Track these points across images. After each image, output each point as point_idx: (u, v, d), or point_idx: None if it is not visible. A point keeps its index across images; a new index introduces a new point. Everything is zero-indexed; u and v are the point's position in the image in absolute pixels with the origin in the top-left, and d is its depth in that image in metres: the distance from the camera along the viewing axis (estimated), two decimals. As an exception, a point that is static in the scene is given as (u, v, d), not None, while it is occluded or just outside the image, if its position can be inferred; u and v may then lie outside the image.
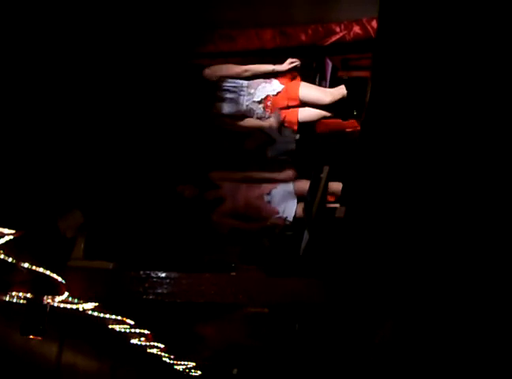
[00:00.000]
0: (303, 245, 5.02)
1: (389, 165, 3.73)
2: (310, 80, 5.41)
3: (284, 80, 5.15)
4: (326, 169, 5.04)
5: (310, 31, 5.52)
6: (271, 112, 5.12)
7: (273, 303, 4.53)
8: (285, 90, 5.10)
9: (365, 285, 4.14)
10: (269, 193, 5.24)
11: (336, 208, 5.23)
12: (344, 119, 5.29)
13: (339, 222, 4.90)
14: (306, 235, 5.01)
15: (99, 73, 4.85)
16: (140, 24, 5.22)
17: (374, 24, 5.10)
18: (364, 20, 5.32)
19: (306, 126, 5.46)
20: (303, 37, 5.53)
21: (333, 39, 5.45)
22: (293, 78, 5.20)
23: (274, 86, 5.11)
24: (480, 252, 3.54)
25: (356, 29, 5.39)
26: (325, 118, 5.31)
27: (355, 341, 4.79)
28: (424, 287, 3.82)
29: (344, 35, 5.45)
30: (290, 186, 5.26)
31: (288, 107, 5.13)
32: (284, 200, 5.25)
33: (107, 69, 4.95)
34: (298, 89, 5.11)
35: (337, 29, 5.46)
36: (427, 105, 3.32)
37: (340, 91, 5.11)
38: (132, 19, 5.11)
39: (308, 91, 5.13)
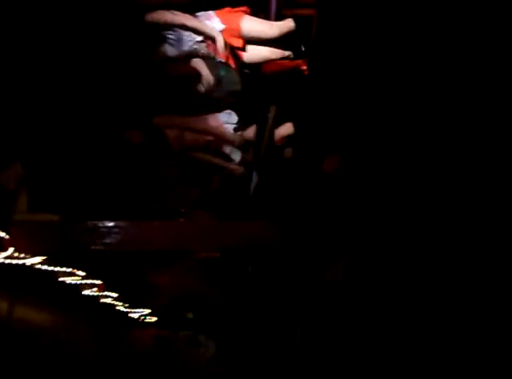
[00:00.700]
0: (252, 186, 5.00)
1: (336, 103, 3.71)
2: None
3: (226, 17, 4.97)
4: (273, 109, 4.97)
5: (251, -33, 5.36)
6: (214, 52, 4.95)
7: (224, 247, 4.52)
8: (227, 29, 4.92)
9: (316, 224, 4.15)
10: (214, 132, 5.13)
11: (284, 148, 5.22)
12: (294, 59, 5.17)
13: (287, 162, 4.90)
14: (254, 177, 4.98)
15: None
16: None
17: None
18: (307, -47, 5.18)
19: (252, 66, 5.34)
20: (245, -28, 5.37)
21: (276, -26, 5.31)
22: (236, 15, 5.00)
23: (214, 24, 4.93)
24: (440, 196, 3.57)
25: (300, -36, 5.25)
26: (272, 60, 5.17)
27: (307, 280, 4.83)
28: (376, 223, 3.85)
29: (288, -30, 5.31)
30: (234, 127, 5.15)
31: (233, 47, 4.97)
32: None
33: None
34: (240, 25, 4.92)
35: (280, -37, 5.31)
36: (372, 40, 3.28)
37: (288, 24, 4.96)
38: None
39: (252, 24, 4.93)
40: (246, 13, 4.92)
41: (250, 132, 5.14)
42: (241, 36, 4.89)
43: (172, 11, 4.96)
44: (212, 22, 4.89)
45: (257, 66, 5.40)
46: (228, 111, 5.18)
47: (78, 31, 5.06)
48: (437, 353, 3.49)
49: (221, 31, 4.88)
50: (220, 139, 5.12)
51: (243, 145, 5.13)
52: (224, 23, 4.90)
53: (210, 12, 4.92)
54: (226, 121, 5.20)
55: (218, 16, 4.92)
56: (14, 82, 4.38)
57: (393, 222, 3.76)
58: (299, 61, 5.21)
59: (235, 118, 5.15)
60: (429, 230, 3.60)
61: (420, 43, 3.25)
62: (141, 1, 5.36)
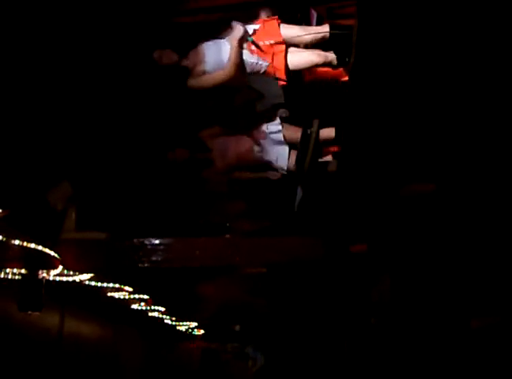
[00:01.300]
0: (297, 201, 4.98)
1: (379, 113, 3.68)
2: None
3: (260, 22, 5.02)
4: (316, 122, 4.95)
5: (292, -20, 5.39)
6: (259, 56, 4.98)
7: (270, 263, 4.51)
8: (262, 29, 4.96)
9: (360, 239, 4.12)
10: (258, 144, 5.13)
11: (328, 161, 5.19)
12: (335, 67, 5.16)
13: (332, 176, 4.86)
14: (299, 191, 4.97)
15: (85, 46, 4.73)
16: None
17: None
18: (348, -34, 5.18)
19: (294, 75, 5.35)
20: (287, -13, 5.41)
21: (317, -13, 5.33)
22: (270, 22, 5.04)
23: (250, 27, 4.96)
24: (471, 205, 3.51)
25: (340, -24, 5.27)
26: (317, 65, 5.18)
27: (352, 299, 4.79)
28: (421, 241, 3.79)
29: (327, -17, 5.33)
30: (279, 135, 5.14)
31: (273, 45, 4.98)
32: (276, 148, 5.13)
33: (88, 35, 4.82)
34: (277, 26, 4.97)
35: (321, -23, 5.34)
36: (413, 49, 3.25)
37: (323, 28, 4.99)
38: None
39: (289, 28, 5.00)
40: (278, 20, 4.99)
41: (291, 132, 5.14)
42: (280, 36, 4.93)
43: None
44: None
45: (300, 76, 5.41)
46: (274, 122, 5.21)
47: (128, 50, 5.17)
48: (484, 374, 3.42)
49: (258, 29, 4.95)
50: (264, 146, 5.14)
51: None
52: (259, 23, 4.96)
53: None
54: (271, 130, 5.21)
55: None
56: (67, 106, 4.49)
57: (440, 241, 3.71)
58: (339, 71, 5.22)
59: (279, 128, 5.17)
60: (476, 250, 3.54)
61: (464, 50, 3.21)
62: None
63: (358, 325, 4.75)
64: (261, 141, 5.15)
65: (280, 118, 5.22)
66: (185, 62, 4.93)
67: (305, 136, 4.93)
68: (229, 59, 4.76)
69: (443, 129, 3.58)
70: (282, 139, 5.15)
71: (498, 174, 3.54)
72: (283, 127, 5.17)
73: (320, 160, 5.21)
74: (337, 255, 4.20)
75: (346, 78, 5.21)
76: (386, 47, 3.27)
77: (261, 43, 4.97)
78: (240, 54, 4.77)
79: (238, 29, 4.70)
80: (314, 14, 5.47)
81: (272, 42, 4.95)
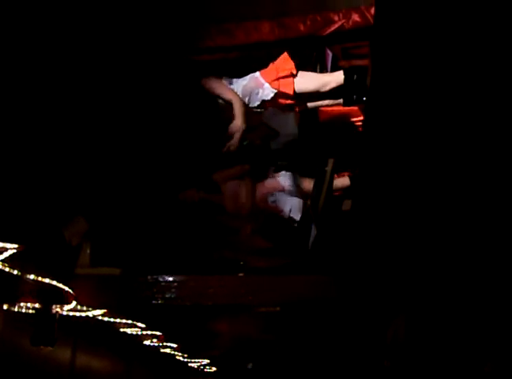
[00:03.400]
0: (311, 240, 4.97)
1: (394, 153, 3.68)
2: (311, 71, 5.32)
3: (277, 84, 5.04)
4: (331, 161, 4.98)
5: (308, 22, 5.43)
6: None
7: (284, 302, 4.49)
8: (279, 93, 5.01)
9: (375, 280, 4.09)
10: (272, 194, 5.17)
11: (343, 200, 5.19)
12: (345, 105, 5.20)
13: (346, 215, 4.86)
14: (313, 230, 4.96)
15: (95, 76, 4.79)
16: (136, 22, 5.15)
17: (373, 11, 5.02)
18: (362, 7, 5.23)
19: (308, 115, 5.39)
20: (302, 28, 5.45)
21: (332, 28, 5.36)
22: (287, 83, 5.07)
23: (266, 91, 5.00)
24: (491, 246, 3.49)
25: (355, 17, 5.30)
26: (324, 104, 5.23)
27: (367, 337, 4.75)
28: (436, 281, 3.77)
29: (343, 24, 5.36)
30: (293, 187, 5.17)
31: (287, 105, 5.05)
32: (290, 199, 5.16)
33: (102, 72, 4.89)
34: (292, 88, 5.00)
35: (336, 18, 5.37)
36: (428, 91, 3.27)
37: (338, 78, 5.03)
38: (128, 16, 5.04)
39: (304, 84, 5.03)
40: (293, 74, 5.01)
41: (308, 185, 5.16)
42: (294, 97, 4.98)
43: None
44: (264, 89, 4.98)
45: (314, 114, 5.45)
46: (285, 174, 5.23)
47: (143, 87, 5.23)
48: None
49: (274, 96, 4.97)
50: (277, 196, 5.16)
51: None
52: (274, 87, 4.99)
53: (259, 77, 5.02)
54: (288, 183, 5.24)
55: (266, 79, 5.01)
56: (85, 141, 4.55)
57: (455, 281, 3.68)
58: (353, 109, 5.26)
59: (291, 181, 5.19)
60: (492, 288, 3.51)
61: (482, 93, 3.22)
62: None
63: (371, 367, 4.70)
64: (277, 193, 5.19)
65: (294, 172, 5.25)
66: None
67: (320, 174, 4.96)
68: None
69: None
70: (296, 190, 5.18)
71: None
72: (297, 179, 5.20)
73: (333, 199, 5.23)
74: (351, 295, 4.17)
75: (361, 118, 5.25)
76: (400, 88, 3.30)
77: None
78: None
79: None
80: (330, 54, 5.52)
81: (289, 103, 5.04)
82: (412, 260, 3.96)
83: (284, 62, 5.07)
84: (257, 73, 5.08)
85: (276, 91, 4.96)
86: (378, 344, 4.49)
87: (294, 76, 5.00)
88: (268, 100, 4.98)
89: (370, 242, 4.22)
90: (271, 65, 5.11)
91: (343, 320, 5.13)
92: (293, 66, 5.06)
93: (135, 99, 5.12)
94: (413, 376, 3.94)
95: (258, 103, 4.98)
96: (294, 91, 4.98)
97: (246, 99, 4.98)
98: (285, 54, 5.10)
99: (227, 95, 4.83)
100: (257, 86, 5.00)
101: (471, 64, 3.10)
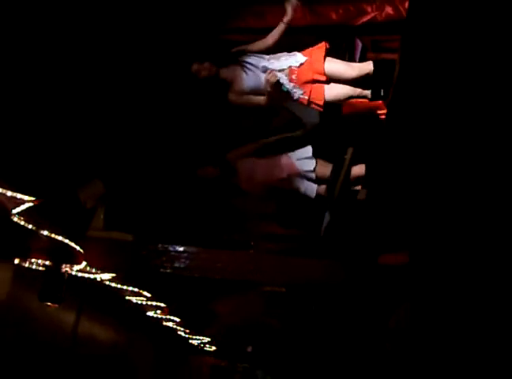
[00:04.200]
0: (324, 225, 5.00)
1: (414, 148, 3.69)
2: (336, 57, 5.29)
3: (309, 53, 5.03)
4: (350, 150, 4.99)
5: (340, 11, 5.42)
6: (297, 85, 5.00)
7: (291, 283, 4.53)
8: (309, 62, 4.95)
9: (382, 268, 4.12)
10: (288, 176, 5.19)
11: (358, 190, 5.20)
12: (371, 100, 5.17)
13: (360, 204, 4.88)
14: (327, 216, 4.98)
15: (127, 51, 4.83)
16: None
17: (407, 5, 4.99)
18: (397, 1, 5.21)
19: (332, 106, 5.37)
20: (334, 16, 5.43)
21: (364, 19, 5.35)
22: (318, 52, 5.05)
23: (297, 58, 4.99)
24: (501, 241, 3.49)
25: (388, 10, 5.28)
26: (352, 97, 5.18)
27: (370, 326, 4.77)
28: (442, 271, 3.78)
29: (375, 16, 5.34)
30: (311, 166, 5.18)
31: (314, 82, 5.00)
32: (305, 181, 5.18)
33: (134, 45, 4.93)
34: (323, 62, 4.97)
35: (369, 9, 5.35)
36: (453, 89, 3.26)
37: (367, 66, 4.98)
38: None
39: (333, 64, 4.97)
40: (326, 48, 4.99)
41: (326, 169, 5.16)
42: (323, 73, 4.94)
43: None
44: (295, 56, 4.97)
45: (337, 105, 5.44)
46: (302, 150, 5.24)
47: (171, 63, 5.27)
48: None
49: (304, 63, 4.95)
50: (293, 177, 5.18)
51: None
52: (306, 55, 4.98)
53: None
54: (298, 157, 5.25)
55: (301, 53, 5.01)
56: (105, 113, 4.60)
57: (460, 269, 3.69)
58: (378, 103, 5.22)
59: (308, 152, 5.19)
60: (497, 278, 3.51)
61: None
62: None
63: (372, 350, 4.73)
64: (292, 175, 5.21)
65: (313, 153, 5.26)
66: (224, 75, 5.02)
67: (338, 161, 4.97)
68: (266, 98, 4.90)
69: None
70: (313, 172, 5.19)
71: None
72: (316, 162, 5.21)
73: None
74: (358, 281, 4.20)
75: (384, 111, 5.24)
76: (426, 86, 3.30)
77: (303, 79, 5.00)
78: (275, 97, 4.87)
79: (271, 75, 4.80)
80: (359, 44, 5.49)
81: (316, 78, 4.98)
82: (419, 252, 3.98)
83: (319, 49, 5.05)
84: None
85: (306, 58, 4.95)
86: (381, 329, 4.51)
87: (325, 57, 4.99)
88: (296, 66, 4.95)
89: (382, 232, 4.24)
90: (308, 49, 5.10)
91: (347, 306, 5.16)
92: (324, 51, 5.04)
93: (162, 73, 5.17)
94: (413, 359, 3.97)
95: (285, 67, 4.95)
96: (323, 66, 4.95)
97: (273, 62, 4.97)
98: (323, 43, 5.08)
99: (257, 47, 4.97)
100: (288, 54, 5.00)
101: (497, 70, 3.09)
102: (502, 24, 2.95)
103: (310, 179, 5.20)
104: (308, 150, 5.24)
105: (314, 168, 5.19)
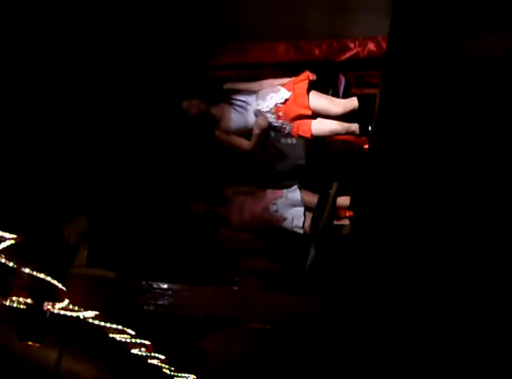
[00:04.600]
0: (309, 261, 4.97)
1: (397, 181, 3.70)
2: (321, 91, 5.33)
3: (292, 87, 5.07)
4: (335, 185, 5.00)
5: (324, 47, 5.50)
6: (285, 121, 5.04)
7: (275, 319, 4.47)
8: (293, 97, 5.01)
9: (369, 305, 4.08)
10: (274, 203, 5.18)
11: (343, 225, 5.20)
12: (359, 136, 5.20)
13: (345, 239, 4.87)
14: (312, 252, 4.97)
15: (107, 85, 4.85)
16: (153, 36, 5.23)
17: (389, 41, 5.06)
18: (379, 37, 5.29)
19: (317, 142, 5.40)
20: (317, 52, 5.51)
21: (347, 55, 5.43)
22: (301, 86, 5.08)
23: (282, 94, 5.03)
24: (489, 270, 3.49)
25: (371, 46, 5.37)
26: (339, 134, 5.21)
27: (357, 361, 4.72)
28: (429, 310, 3.76)
29: (358, 52, 5.43)
30: (297, 195, 5.18)
31: (301, 117, 5.03)
32: (291, 208, 5.17)
33: (117, 84, 4.95)
34: (307, 96, 5.01)
35: (352, 45, 5.44)
36: (435, 123, 3.29)
37: (352, 102, 5.03)
38: (146, 30, 5.12)
39: (318, 99, 5.02)
40: (310, 80, 5.04)
41: (308, 197, 5.17)
42: (308, 107, 4.98)
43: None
44: (279, 92, 5.01)
45: (323, 140, 5.46)
46: (292, 189, 5.24)
47: (154, 96, 5.29)
48: None
49: (289, 98, 4.99)
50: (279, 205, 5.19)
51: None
52: (290, 90, 5.02)
53: (276, 85, 5.07)
54: (289, 193, 5.25)
55: (284, 86, 5.05)
56: (92, 145, 4.59)
57: (444, 310, 3.68)
58: (363, 139, 5.26)
59: (297, 196, 5.19)
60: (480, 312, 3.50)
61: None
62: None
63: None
64: (278, 201, 5.20)
65: (298, 185, 5.27)
66: (213, 112, 5.06)
67: (323, 197, 4.98)
68: (252, 139, 4.99)
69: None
70: (299, 198, 5.19)
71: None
72: (301, 192, 5.21)
73: (335, 223, 5.24)
74: (343, 318, 4.16)
75: (367, 146, 5.27)
76: (407, 120, 3.33)
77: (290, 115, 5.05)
78: (262, 138, 4.95)
79: (262, 119, 4.88)
80: (343, 80, 5.56)
81: (302, 113, 5.02)
82: (405, 289, 3.96)
83: (303, 77, 5.10)
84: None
85: (290, 93, 4.98)
86: (368, 365, 4.47)
87: (309, 90, 5.03)
88: (281, 102, 4.98)
89: (366, 268, 4.22)
90: (292, 79, 5.14)
91: (333, 344, 5.10)
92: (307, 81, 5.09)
93: (145, 108, 5.19)
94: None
95: (271, 106, 4.98)
96: (308, 100, 4.98)
97: (260, 103, 5.01)
98: (306, 72, 5.12)
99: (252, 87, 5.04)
100: (272, 90, 5.03)
101: (476, 103, 3.13)
102: (479, 59, 3.00)
103: (295, 204, 5.19)
104: (297, 195, 5.24)
105: (299, 194, 5.21)
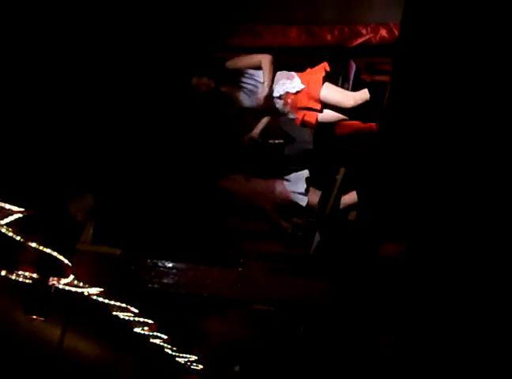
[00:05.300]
0: (314, 245, 4.98)
1: (404, 169, 3.70)
2: (333, 81, 5.30)
3: (307, 78, 5.03)
4: (342, 170, 4.99)
5: (336, 32, 5.46)
6: (291, 109, 5.02)
7: (279, 302, 4.51)
8: (306, 90, 4.97)
9: (372, 290, 4.10)
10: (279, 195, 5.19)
11: (349, 210, 5.20)
12: (365, 122, 5.18)
13: (350, 225, 4.87)
14: (317, 236, 4.97)
15: (121, 64, 4.84)
16: (163, 14, 5.21)
17: (401, 28, 5.03)
18: (391, 24, 5.25)
19: (324, 127, 5.39)
20: (329, 37, 5.48)
21: (359, 41, 5.39)
22: (317, 78, 5.05)
23: (295, 84, 4.98)
24: (492, 262, 3.49)
25: (383, 33, 5.33)
26: (345, 119, 5.20)
27: (360, 345, 4.74)
28: (432, 293, 3.78)
29: (370, 38, 5.38)
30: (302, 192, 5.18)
31: (309, 109, 5.01)
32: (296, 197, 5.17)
33: (135, 58, 4.94)
34: (319, 90, 4.96)
35: (364, 31, 5.40)
36: (445, 111, 3.29)
37: (363, 95, 4.98)
38: (156, 8, 5.11)
39: (330, 93, 4.96)
40: (326, 70, 5.00)
41: (315, 198, 5.15)
42: (319, 101, 4.95)
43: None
44: (293, 82, 4.98)
45: (330, 126, 5.45)
46: (298, 178, 5.23)
47: (163, 77, 5.28)
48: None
49: (301, 91, 4.97)
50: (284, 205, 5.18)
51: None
52: (304, 83, 4.98)
53: (292, 73, 5.04)
54: (293, 190, 5.23)
55: (299, 76, 5.01)
56: (101, 127, 4.60)
57: (447, 292, 3.69)
58: (371, 125, 5.24)
59: (302, 186, 5.18)
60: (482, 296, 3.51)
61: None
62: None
63: (363, 370, 4.70)
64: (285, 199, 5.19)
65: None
66: (223, 89, 5.04)
67: (330, 182, 4.98)
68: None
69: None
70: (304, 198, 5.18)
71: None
72: (309, 193, 5.19)
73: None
74: (347, 302, 4.18)
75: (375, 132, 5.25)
76: (417, 109, 3.32)
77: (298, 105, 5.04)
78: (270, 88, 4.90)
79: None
80: (354, 66, 5.52)
81: (311, 106, 5.00)
82: (408, 275, 3.97)
83: (320, 69, 5.06)
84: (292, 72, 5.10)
85: (304, 86, 4.95)
86: (370, 349, 4.48)
87: (324, 82, 5.00)
88: (293, 93, 4.96)
89: (371, 253, 4.24)
90: (308, 70, 5.11)
91: (336, 327, 5.13)
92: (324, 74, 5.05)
93: (155, 87, 5.18)
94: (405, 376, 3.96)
95: (282, 93, 4.96)
96: (319, 94, 4.95)
97: (273, 86, 4.98)
98: (323, 64, 5.09)
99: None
100: (287, 77, 5.00)
101: (492, 86, 3.12)
102: (490, 48, 2.99)
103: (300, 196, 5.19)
104: (302, 182, 5.20)
105: (307, 201, 5.18)
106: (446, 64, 3.11)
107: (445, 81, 3.16)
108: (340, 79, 5.46)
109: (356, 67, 5.50)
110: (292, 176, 5.23)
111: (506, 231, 3.42)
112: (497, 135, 3.22)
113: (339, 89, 5.11)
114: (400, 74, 3.32)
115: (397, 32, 5.09)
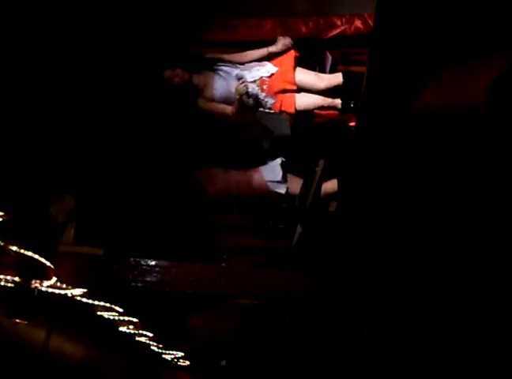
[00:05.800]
0: (296, 238, 4.99)
1: (383, 159, 3.72)
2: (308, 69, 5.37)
3: (278, 62, 5.12)
4: (322, 162, 5.00)
5: (310, 24, 5.48)
6: (268, 94, 5.06)
7: (263, 296, 4.51)
8: (280, 72, 5.06)
9: (355, 281, 4.12)
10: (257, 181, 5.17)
11: (329, 201, 5.22)
12: (342, 113, 5.24)
13: (331, 216, 4.89)
14: (298, 228, 4.99)
15: (93, 60, 4.82)
16: (136, 10, 5.19)
17: (375, 18, 5.06)
18: (366, 14, 5.27)
19: (302, 117, 5.41)
20: (304, 29, 5.49)
21: (334, 32, 5.41)
22: (288, 62, 5.14)
23: (268, 68, 5.08)
24: (472, 246, 3.52)
25: (358, 23, 5.35)
26: (322, 107, 5.26)
27: (344, 336, 4.77)
28: (414, 286, 3.80)
29: (345, 29, 5.41)
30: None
31: (285, 91, 5.08)
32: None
33: (100, 56, 4.92)
34: (293, 72, 5.07)
35: (338, 23, 5.42)
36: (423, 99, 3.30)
37: (337, 79, 5.10)
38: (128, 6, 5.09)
39: (304, 75, 5.11)
40: (295, 56, 5.10)
41: (296, 186, 5.15)
42: (293, 82, 5.04)
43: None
44: (265, 66, 5.05)
45: (308, 116, 5.48)
46: (273, 166, 5.22)
47: (137, 72, 5.26)
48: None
49: (275, 73, 5.04)
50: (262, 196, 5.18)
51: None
52: (276, 65, 5.07)
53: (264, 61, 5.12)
54: (270, 179, 5.22)
55: (271, 62, 5.09)
56: (79, 125, 4.57)
57: (428, 281, 3.72)
58: (347, 116, 5.29)
59: (279, 174, 5.18)
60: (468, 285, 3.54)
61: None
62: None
63: (348, 362, 4.73)
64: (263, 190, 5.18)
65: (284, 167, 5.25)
66: (196, 81, 5.06)
67: (310, 174, 4.99)
68: (234, 104, 4.97)
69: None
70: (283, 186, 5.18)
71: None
72: (287, 181, 5.19)
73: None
74: (330, 294, 4.20)
75: (354, 123, 5.28)
76: (394, 98, 3.34)
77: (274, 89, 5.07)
78: (244, 103, 4.93)
79: (244, 87, 4.89)
80: (329, 58, 5.56)
81: (287, 88, 5.07)
82: (389, 263, 4.00)
83: (288, 58, 5.13)
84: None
85: (277, 68, 5.03)
86: (354, 341, 4.51)
87: (295, 67, 5.08)
88: (267, 76, 5.02)
89: (352, 244, 4.26)
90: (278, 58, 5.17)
91: (320, 319, 5.16)
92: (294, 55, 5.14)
93: (129, 83, 5.16)
94: (390, 369, 3.98)
95: (256, 78, 5.02)
96: (293, 75, 5.04)
97: (245, 73, 5.04)
98: (291, 51, 5.16)
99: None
100: (259, 64, 5.08)
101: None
102: (466, 40, 3.01)
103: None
104: (278, 171, 5.19)
105: (287, 189, 5.17)
106: (421, 51, 3.13)
107: (421, 69, 3.18)
108: (317, 70, 5.49)
109: (332, 58, 5.54)
110: (268, 165, 5.23)
111: (492, 222, 3.45)
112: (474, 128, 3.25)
113: (312, 72, 5.22)
114: (376, 64, 3.33)
115: (371, 23, 5.11)
